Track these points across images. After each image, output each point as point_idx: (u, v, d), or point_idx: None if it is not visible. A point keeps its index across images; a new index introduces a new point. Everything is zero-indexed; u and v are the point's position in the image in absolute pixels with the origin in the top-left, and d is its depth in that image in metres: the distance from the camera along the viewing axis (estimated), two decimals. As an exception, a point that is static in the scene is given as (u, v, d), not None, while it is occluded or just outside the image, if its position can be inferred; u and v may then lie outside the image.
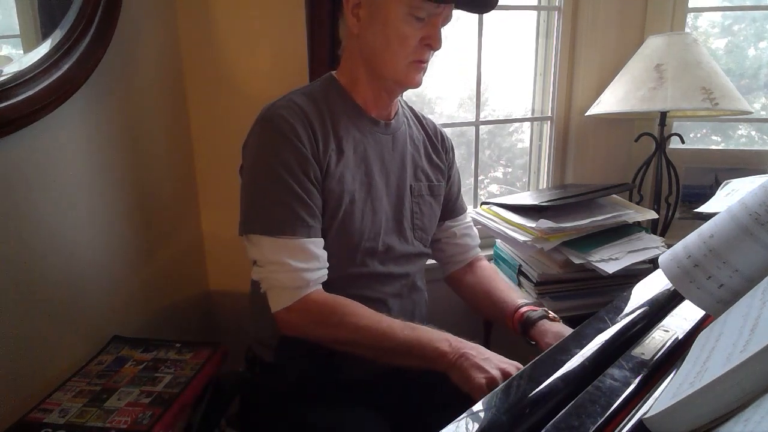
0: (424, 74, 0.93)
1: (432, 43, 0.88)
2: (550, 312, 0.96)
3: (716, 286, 0.56)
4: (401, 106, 1.05)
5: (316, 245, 0.86)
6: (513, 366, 0.74)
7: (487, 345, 1.61)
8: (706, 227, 0.62)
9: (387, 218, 0.96)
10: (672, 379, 0.48)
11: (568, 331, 0.92)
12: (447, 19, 0.89)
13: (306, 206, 0.85)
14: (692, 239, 0.62)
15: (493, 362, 0.74)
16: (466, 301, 1.15)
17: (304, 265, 0.83)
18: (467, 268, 1.14)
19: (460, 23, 1.75)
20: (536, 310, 0.96)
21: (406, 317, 0.97)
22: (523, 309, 0.98)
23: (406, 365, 0.82)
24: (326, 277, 0.88)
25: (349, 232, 0.90)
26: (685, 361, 0.49)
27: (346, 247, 0.91)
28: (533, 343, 0.94)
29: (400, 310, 0.97)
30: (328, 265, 0.88)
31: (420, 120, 1.09)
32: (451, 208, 1.13)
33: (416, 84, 0.92)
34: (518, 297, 1.03)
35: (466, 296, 1.14)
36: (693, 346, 0.51)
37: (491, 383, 0.71)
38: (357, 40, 0.91)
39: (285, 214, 0.84)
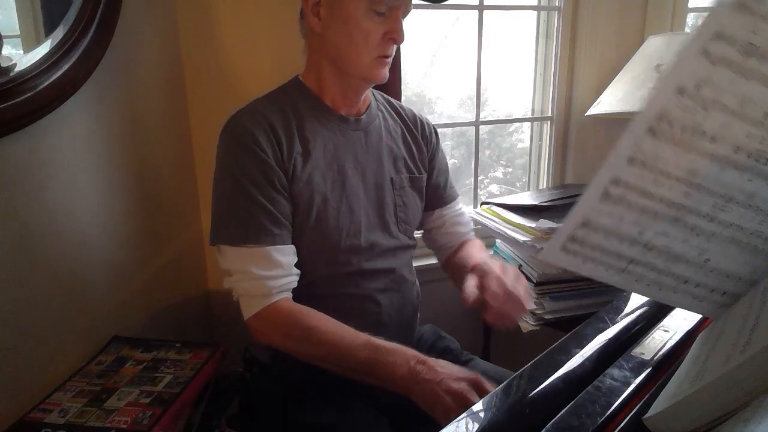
0: (389, 69, 0.92)
1: (395, 37, 0.87)
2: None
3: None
4: (374, 98, 1.04)
5: (282, 253, 0.86)
6: (470, 381, 0.69)
7: (487, 347, 1.63)
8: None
9: (367, 214, 0.95)
10: (672, 379, 0.48)
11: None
12: (407, 11, 0.89)
13: (269, 215, 0.85)
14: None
15: (446, 384, 0.69)
16: (453, 282, 1.07)
17: (267, 273, 0.83)
18: (457, 249, 1.10)
19: (460, 23, 1.75)
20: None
21: (396, 311, 0.96)
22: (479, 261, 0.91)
23: (369, 384, 0.78)
24: (294, 284, 0.88)
25: (325, 232, 0.90)
26: (685, 361, 0.49)
27: (325, 246, 0.91)
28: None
29: (390, 305, 0.97)
30: (295, 272, 0.88)
31: (398, 111, 1.07)
32: (440, 195, 1.10)
33: (382, 79, 0.91)
34: (487, 257, 0.97)
35: (450, 275, 1.10)
36: (693, 346, 0.51)
37: (456, 408, 0.65)
38: (320, 38, 0.90)
39: (248, 223, 0.84)
